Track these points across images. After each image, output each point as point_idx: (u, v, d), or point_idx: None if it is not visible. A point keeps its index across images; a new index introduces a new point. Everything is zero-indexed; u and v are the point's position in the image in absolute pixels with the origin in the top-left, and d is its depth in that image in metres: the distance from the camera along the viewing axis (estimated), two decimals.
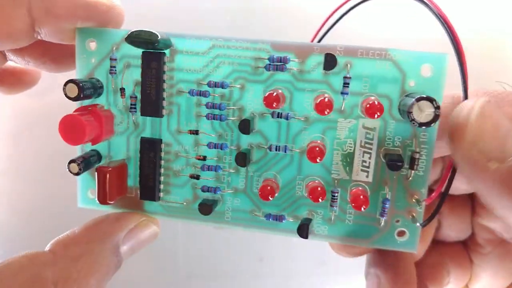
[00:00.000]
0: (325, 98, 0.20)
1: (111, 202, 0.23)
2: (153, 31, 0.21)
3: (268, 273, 0.31)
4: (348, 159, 0.22)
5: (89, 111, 0.22)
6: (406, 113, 0.19)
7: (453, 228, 0.27)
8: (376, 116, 0.20)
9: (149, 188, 0.24)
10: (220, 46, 0.22)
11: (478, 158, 0.18)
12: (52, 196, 0.27)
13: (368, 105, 0.20)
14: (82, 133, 0.21)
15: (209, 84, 0.22)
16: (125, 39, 0.21)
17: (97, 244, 0.22)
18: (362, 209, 0.21)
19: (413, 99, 0.19)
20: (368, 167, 0.22)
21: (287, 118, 0.22)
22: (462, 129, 0.18)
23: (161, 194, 0.24)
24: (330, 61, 0.20)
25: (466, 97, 0.20)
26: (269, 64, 0.22)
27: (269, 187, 0.22)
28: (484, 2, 0.31)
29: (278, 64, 0.21)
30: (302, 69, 0.22)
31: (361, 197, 0.21)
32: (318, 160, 0.21)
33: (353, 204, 0.21)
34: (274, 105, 0.20)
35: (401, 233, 0.23)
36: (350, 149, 0.22)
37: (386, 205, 0.22)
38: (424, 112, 0.19)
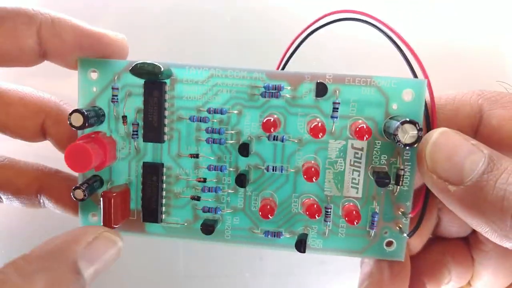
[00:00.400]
0: (318, 123, 0.22)
1: (116, 226, 0.24)
2: (156, 63, 0.22)
3: (268, 272, 0.31)
4: (339, 177, 0.24)
5: (93, 139, 0.23)
6: (391, 135, 0.22)
7: (454, 223, 0.26)
8: (365, 138, 0.22)
9: (152, 211, 0.25)
10: (218, 75, 0.24)
11: (438, 183, 0.20)
12: None
13: (357, 129, 0.22)
14: (89, 161, 0.22)
15: (208, 111, 0.24)
16: (130, 71, 0.22)
17: (51, 261, 0.20)
18: (355, 223, 0.23)
19: (398, 123, 0.21)
20: (357, 184, 0.24)
21: (282, 140, 0.24)
22: (421, 159, 0.21)
23: (163, 216, 0.25)
24: (321, 89, 0.22)
25: (428, 126, 0.23)
26: (265, 91, 0.23)
27: (268, 207, 0.23)
28: (482, 5, 0.31)
29: (273, 92, 0.23)
30: (294, 96, 0.23)
31: (354, 212, 0.23)
32: (314, 180, 0.22)
33: (346, 219, 0.23)
34: (271, 130, 0.22)
35: (389, 243, 0.25)
36: (341, 168, 0.24)
37: (375, 218, 0.24)
38: (408, 134, 0.21)
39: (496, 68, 0.31)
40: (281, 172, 0.24)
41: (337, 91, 0.23)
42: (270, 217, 0.23)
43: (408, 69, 0.23)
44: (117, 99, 0.24)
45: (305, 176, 0.22)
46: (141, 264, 0.31)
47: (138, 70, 0.22)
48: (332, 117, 0.23)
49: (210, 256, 0.31)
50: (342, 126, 0.24)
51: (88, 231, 0.22)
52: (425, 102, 0.23)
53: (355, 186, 0.24)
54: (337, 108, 0.23)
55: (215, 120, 0.24)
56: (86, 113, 0.23)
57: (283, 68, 0.25)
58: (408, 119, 0.21)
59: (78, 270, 0.20)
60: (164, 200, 0.25)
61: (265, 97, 0.23)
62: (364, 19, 0.24)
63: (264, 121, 0.22)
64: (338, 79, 0.23)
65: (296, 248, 0.24)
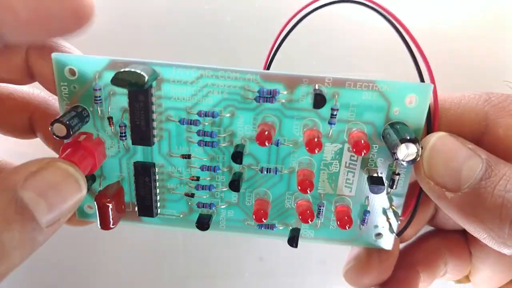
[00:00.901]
0: (314, 138, 0.21)
1: (114, 226, 0.24)
2: (139, 72, 0.20)
3: (268, 272, 0.32)
4: (334, 177, 0.24)
5: (80, 145, 0.22)
6: (390, 151, 0.21)
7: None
8: (363, 154, 0.21)
9: (147, 207, 0.25)
10: (208, 76, 0.22)
11: (435, 189, 0.20)
12: None
13: (354, 142, 0.21)
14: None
15: (199, 114, 0.22)
16: (111, 81, 0.20)
17: None
18: (347, 227, 0.23)
19: (397, 140, 0.20)
20: (351, 183, 0.24)
21: (277, 144, 0.23)
22: (418, 164, 0.21)
23: (158, 210, 0.26)
24: (319, 101, 0.21)
25: (428, 130, 0.22)
26: (259, 96, 0.22)
27: (262, 211, 0.23)
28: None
29: (267, 97, 0.22)
30: (291, 99, 0.22)
31: (346, 218, 0.23)
32: (308, 192, 0.22)
33: (338, 223, 0.24)
34: (266, 144, 0.21)
35: (378, 235, 0.26)
36: (336, 169, 0.24)
37: (366, 216, 0.25)
38: (407, 153, 0.20)
39: (495, 58, 0.28)
40: (275, 173, 0.24)
41: (336, 96, 0.22)
42: (264, 220, 0.24)
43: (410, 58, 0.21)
44: (100, 99, 0.23)
45: (299, 188, 0.22)
46: (141, 264, 0.32)
47: (120, 82, 0.20)
48: (329, 123, 0.22)
49: (210, 256, 0.32)
50: (339, 129, 0.23)
51: (33, 161, 0.19)
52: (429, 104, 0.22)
53: (349, 185, 0.24)
54: (335, 115, 0.22)
55: (206, 123, 0.23)
56: (68, 123, 0.21)
57: (274, 56, 0.23)
58: (408, 137, 0.20)
59: (21, 202, 0.17)
60: (158, 196, 0.25)
61: (259, 102, 0.22)
62: (366, 3, 0.21)
63: (258, 132, 0.21)
64: (338, 82, 0.21)
65: (289, 244, 0.25)
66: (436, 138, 0.21)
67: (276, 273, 0.31)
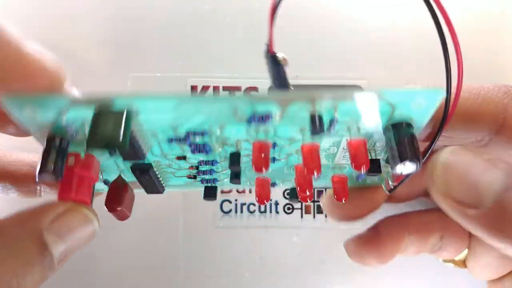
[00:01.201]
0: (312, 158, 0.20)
1: (130, 214, 0.26)
2: (114, 135, 0.18)
3: (268, 272, 0.31)
4: (332, 156, 0.24)
5: (74, 172, 0.22)
6: (389, 159, 0.20)
7: None
8: (362, 169, 0.21)
9: (153, 189, 0.26)
10: (188, 103, 0.19)
11: (455, 206, 0.19)
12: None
13: (353, 156, 0.20)
14: (87, 202, 0.22)
15: (187, 135, 0.21)
16: (86, 147, 0.18)
17: (11, 229, 0.17)
18: (343, 200, 0.25)
19: (397, 158, 0.20)
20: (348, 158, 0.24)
21: (273, 147, 0.22)
22: (432, 182, 0.20)
23: (165, 187, 0.27)
24: (317, 131, 0.19)
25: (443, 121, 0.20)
26: (251, 120, 0.20)
27: (264, 195, 0.25)
28: None
29: (259, 120, 0.20)
30: (286, 113, 0.20)
31: (343, 191, 0.25)
32: (307, 192, 0.23)
33: (335, 197, 0.25)
34: (263, 171, 0.21)
35: (371, 180, 0.28)
36: (334, 151, 0.24)
37: (362, 176, 0.26)
38: (406, 168, 0.20)
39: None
40: (273, 162, 0.24)
41: (336, 107, 0.19)
42: (266, 202, 0.25)
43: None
44: (75, 131, 0.20)
45: (298, 188, 0.23)
46: (141, 264, 0.32)
47: (96, 147, 0.18)
48: (328, 130, 0.21)
49: (210, 256, 0.31)
50: (338, 128, 0.21)
51: (59, 203, 0.20)
52: (448, 93, 0.20)
53: (346, 158, 0.25)
54: (335, 127, 0.20)
55: (197, 139, 0.21)
56: (54, 169, 0.20)
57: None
58: (409, 158, 0.19)
59: (44, 244, 0.17)
60: (162, 181, 0.26)
61: (250, 123, 0.20)
62: None
63: (254, 158, 0.20)
64: (339, 97, 0.19)
65: (290, 201, 0.27)
66: (448, 153, 0.20)
67: (276, 273, 0.31)
